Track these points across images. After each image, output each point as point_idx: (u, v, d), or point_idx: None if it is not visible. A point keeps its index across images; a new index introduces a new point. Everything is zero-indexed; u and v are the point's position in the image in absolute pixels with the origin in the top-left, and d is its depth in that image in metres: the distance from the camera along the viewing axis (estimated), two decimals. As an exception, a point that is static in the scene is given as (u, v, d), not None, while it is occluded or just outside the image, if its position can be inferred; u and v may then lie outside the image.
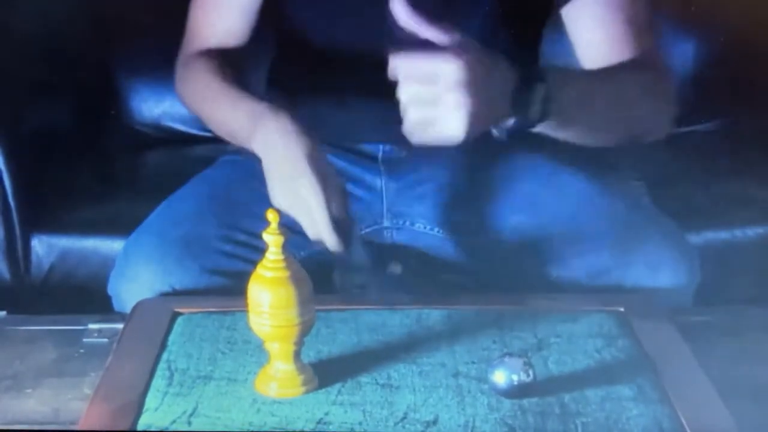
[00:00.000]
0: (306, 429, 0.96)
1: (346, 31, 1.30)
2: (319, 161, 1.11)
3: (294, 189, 1.10)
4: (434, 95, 1.00)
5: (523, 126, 1.08)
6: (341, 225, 1.10)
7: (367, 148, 1.38)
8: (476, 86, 1.00)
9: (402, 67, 1.01)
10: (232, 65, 1.30)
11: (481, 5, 1.29)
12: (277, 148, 1.13)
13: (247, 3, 1.32)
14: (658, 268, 1.24)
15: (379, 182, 1.37)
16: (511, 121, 1.08)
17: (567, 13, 1.28)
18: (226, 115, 1.24)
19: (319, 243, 1.12)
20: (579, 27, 1.28)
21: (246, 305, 1.00)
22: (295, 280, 0.98)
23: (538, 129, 1.11)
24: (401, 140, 1.35)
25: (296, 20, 1.33)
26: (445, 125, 1.01)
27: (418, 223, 1.34)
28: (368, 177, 1.36)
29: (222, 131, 1.28)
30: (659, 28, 1.34)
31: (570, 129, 1.16)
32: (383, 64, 1.24)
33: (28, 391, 1.08)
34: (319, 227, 1.10)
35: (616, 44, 1.25)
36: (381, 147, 1.38)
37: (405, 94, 1.02)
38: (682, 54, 1.84)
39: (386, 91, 1.27)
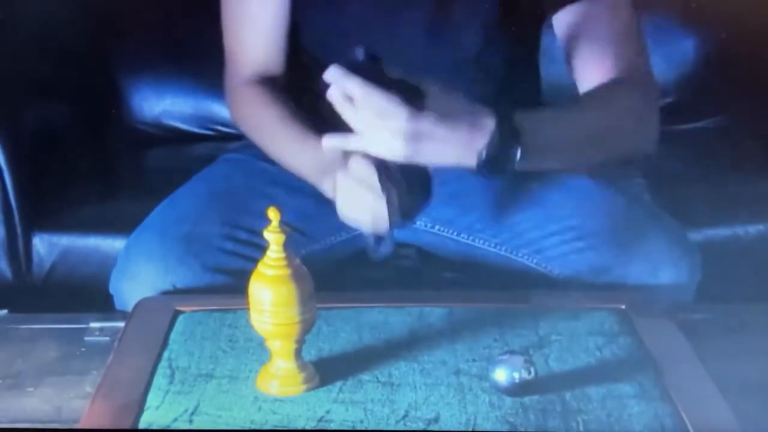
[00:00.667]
0: (307, 427, 0.96)
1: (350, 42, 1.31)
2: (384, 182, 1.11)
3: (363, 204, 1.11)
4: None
5: (496, 170, 1.11)
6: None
7: None
8: (417, 140, 1.06)
9: (356, 91, 1.05)
10: (279, 89, 1.32)
11: (478, 7, 1.29)
12: (350, 192, 1.13)
13: (273, 24, 1.33)
14: (660, 266, 1.24)
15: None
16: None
17: (557, 21, 1.28)
18: (290, 155, 1.27)
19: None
20: (567, 37, 1.28)
21: (247, 303, 1.01)
22: (297, 278, 0.98)
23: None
24: None
25: (304, 33, 1.34)
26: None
27: (419, 221, 1.34)
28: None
29: (283, 164, 1.30)
30: (655, 31, 1.34)
31: (548, 163, 1.18)
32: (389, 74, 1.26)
33: (30, 389, 1.08)
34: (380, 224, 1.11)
35: (602, 57, 1.25)
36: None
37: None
38: (683, 51, 1.83)
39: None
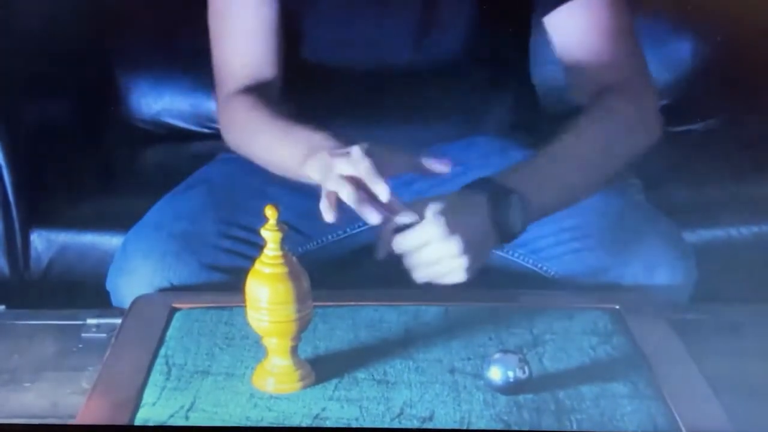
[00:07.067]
0: (303, 424, 0.97)
1: (348, 52, 1.32)
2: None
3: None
4: (434, 257, 1.06)
5: (515, 236, 1.13)
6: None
7: None
8: (462, 233, 1.06)
9: (397, 247, 1.07)
10: (271, 98, 1.29)
11: (464, 8, 1.29)
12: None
13: (266, 26, 1.30)
14: (656, 267, 1.24)
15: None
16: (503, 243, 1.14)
17: (549, 24, 1.28)
18: (273, 151, 1.23)
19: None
20: (561, 41, 1.27)
21: (244, 301, 1.01)
22: (293, 275, 0.99)
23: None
24: (394, 142, 1.37)
25: (302, 43, 1.34)
26: (450, 276, 1.07)
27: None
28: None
29: (272, 165, 1.25)
30: (650, 33, 1.33)
31: (562, 206, 1.19)
32: (379, 80, 1.25)
33: (27, 385, 1.09)
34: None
35: (597, 61, 1.25)
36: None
37: (408, 262, 1.08)
38: (679, 53, 1.84)
39: (380, 100, 1.29)
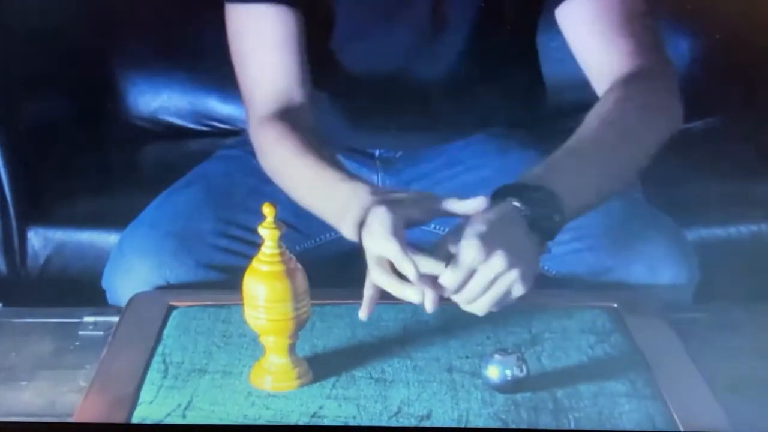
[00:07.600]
0: (300, 422, 0.97)
1: (356, 56, 1.31)
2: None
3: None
4: (485, 282, 1.00)
5: (555, 232, 1.07)
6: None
7: (365, 148, 1.40)
8: (500, 245, 0.99)
9: (449, 288, 1.01)
10: (302, 119, 1.23)
11: (473, 10, 1.29)
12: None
13: (288, 44, 1.25)
14: (658, 267, 1.23)
15: (376, 179, 1.38)
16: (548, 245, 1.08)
17: (561, 16, 1.25)
18: (307, 190, 1.17)
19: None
20: (574, 31, 1.24)
21: (241, 299, 1.01)
22: (291, 274, 0.99)
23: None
24: (394, 145, 1.37)
25: (315, 54, 1.32)
26: (511, 292, 1.01)
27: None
28: (365, 173, 1.36)
29: (306, 207, 1.18)
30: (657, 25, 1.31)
31: (595, 203, 1.14)
32: (383, 83, 1.24)
33: (24, 383, 1.09)
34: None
35: (615, 47, 1.21)
36: (377, 149, 1.39)
37: (463, 299, 1.01)
38: (678, 52, 1.83)
39: (381, 104, 1.28)
